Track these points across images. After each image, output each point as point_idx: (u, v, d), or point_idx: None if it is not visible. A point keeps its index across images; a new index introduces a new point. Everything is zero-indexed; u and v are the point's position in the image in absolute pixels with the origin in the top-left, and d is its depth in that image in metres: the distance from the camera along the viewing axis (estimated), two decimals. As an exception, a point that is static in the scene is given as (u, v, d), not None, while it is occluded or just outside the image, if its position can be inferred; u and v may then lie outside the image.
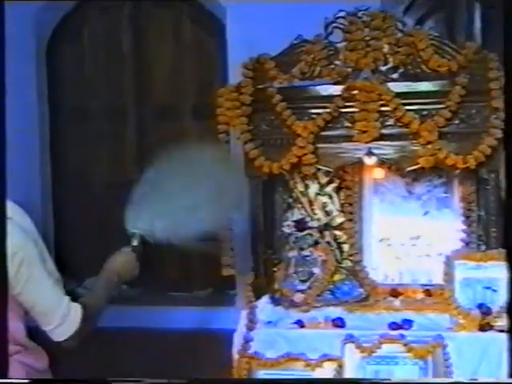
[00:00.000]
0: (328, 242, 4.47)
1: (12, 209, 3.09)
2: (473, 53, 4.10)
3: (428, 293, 4.23)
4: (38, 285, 3.11)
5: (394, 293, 4.26)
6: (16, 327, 3.17)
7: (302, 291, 4.23)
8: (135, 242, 3.60)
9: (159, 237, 3.59)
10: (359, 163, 4.25)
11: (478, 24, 4.91)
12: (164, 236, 3.58)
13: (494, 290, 3.96)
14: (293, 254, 4.39)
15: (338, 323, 4.00)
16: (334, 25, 4.26)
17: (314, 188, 4.51)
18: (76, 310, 3.18)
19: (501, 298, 3.91)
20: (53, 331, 3.14)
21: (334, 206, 4.51)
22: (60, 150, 5.43)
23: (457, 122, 4.08)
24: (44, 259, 3.17)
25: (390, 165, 4.25)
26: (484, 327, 3.84)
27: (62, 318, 3.13)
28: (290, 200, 4.54)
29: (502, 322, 3.82)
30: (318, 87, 4.23)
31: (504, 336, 3.75)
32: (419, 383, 3.65)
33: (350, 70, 4.20)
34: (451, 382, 3.62)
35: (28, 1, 4.16)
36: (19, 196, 3.01)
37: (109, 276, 3.54)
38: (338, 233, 4.49)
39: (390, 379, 3.71)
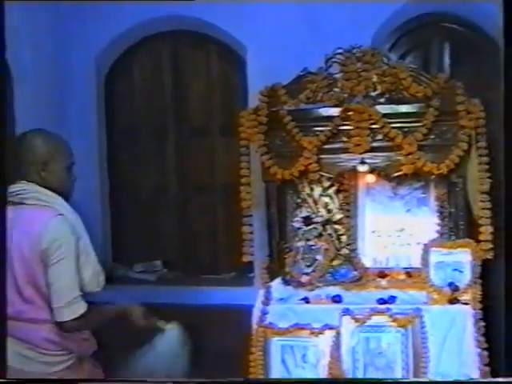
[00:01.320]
0: (329, 234, 4.44)
1: (66, 208, 3.13)
2: (443, 82, 4.09)
3: (409, 274, 4.22)
4: (63, 269, 3.01)
5: (382, 274, 4.25)
6: None
7: (307, 274, 4.21)
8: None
9: None
10: (354, 170, 4.21)
11: (447, 60, 4.90)
12: None
13: (461, 272, 3.96)
14: (301, 244, 4.36)
15: (337, 299, 4.00)
16: (333, 59, 4.25)
17: (318, 190, 4.50)
18: (82, 305, 3.07)
19: (466, 278, 3.94)
20: (59, 310, 3.03)
21: (334, 205, 4.49)
22: (115, 164, 5.45)
23: (432, 136, 4.06)
24: (79, 255, 3.10)
25: (379, 171, 4.22)
26: (453, 301, 3.85)
27: (70, 303, 3.02)
28: (299, 200, 4.52)
29: (467, 297, 3.86)
30: (320, 109, 4.21)
31: (468, 308, 3.79)
32: (419, 382, 3.66)
33: (345, 95, 4.18)
34: (451, 382, 3.62)
35: (28, 1, 4.08)
36: (83, 203, 3.16)
37: (114, 314, 3.28)
38: (337, 227, 4.47)
39: (390, 378, 3.68)
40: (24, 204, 3.09)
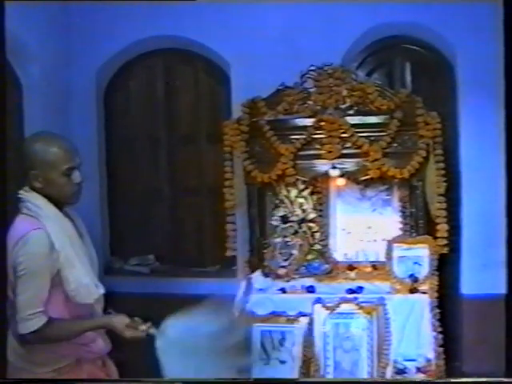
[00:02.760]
0: (304, 232, 4.48)
1: (54, 220, 2.75)
2: (405, 96, 4.16)
3: (375, 267, 4.25)
4: (27, 283, 2.64)
5: (351, 267, 4.29)
6: None
7: (284, 267, 4.26)
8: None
9: None
10: (326, 174, 4.25)
11: (408, 77, 4.92)
12: None
13: (420, 265, 4.03)
14: (278, 240, 4.41)
15: (310, 290, 4.06)
16: (307, 75, 4.30)
17: (294, 192, 4.53)
18: (39, 320, 2.64)
19: (424, 270, 4.01)
20: (19, 321, 2.65)
21: (308, 206, 4.52)
22: (113, 167, 5.40)
23: (395, 145, 4.13)
24: (59, 269, 2.68)
25: (348, 175, 4.25)
26: (413, 291, 3.92)
27: (28, 317, 2.63)
28: (277, 201, 4.54)
29: (425, 287, 3.93)
30: (296, 120, 4.26)
31: (426, 297, 3.87)
32: (419, 382, 3.64)
33: (318, 107, 4.23)
34: (451, 382, 3.68)
35: (29, 1, 4.07)
36: (83, 201, 2.85)
37: (94, 326, 2.79)
38: (311, 225, 4.50)
39: (391, 378, 3.71)
40: (19, 212, 2.76)
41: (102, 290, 2.85)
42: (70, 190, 2.78)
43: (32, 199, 2.75)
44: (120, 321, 2.71)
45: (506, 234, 2.62)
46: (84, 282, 2.76)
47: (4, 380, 2.51)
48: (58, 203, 2.78)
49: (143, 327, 2.70)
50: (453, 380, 3.70)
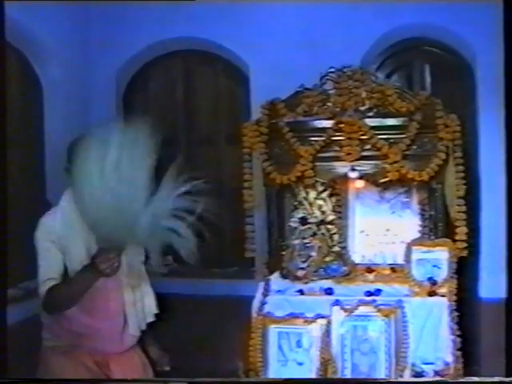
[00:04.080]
0: (323, 234, 4.46)
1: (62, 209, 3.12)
2: (424, 99, 4.14)
3: (393, 270, 4.22)
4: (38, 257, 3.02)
5: (369, 270, 4.26)
6: None
7: (302, 269, 4.23)
8: None
9: None
10: (345, 177, 4.24)
11: (428, 79, 4.92)
12: None
13: (439, 268, 4.01)
14: (297, 242, 4.39)
15: (328, 292, 4.03)
16: (327, 77, 4.29)
17: (312, 194, 4.51)
18: (50, 282, 2.96)
19: (443, 273, 3.99)
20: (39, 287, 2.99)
21: (327, 208, 4.50)
22: None
23: (414, 147, 4.10)
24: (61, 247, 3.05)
25: (367, 178, 4.24)
26: (431, 294, 3.89)
27: (43, 282, 2.97)
28: (296, 203, 4.53)
29: (444, 290, 3.90)
30: (315, 122, 4.24)
31: (444, 300, 3.84)
32: (420, 382, 3.68)
33: (338, 109, 4.22)
34: (451, 382, 3.64)
35: (29, 1, 4.08)
36: None
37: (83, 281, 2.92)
38: (330, 227, 4.47)
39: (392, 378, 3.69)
40: None
41: None
42: None
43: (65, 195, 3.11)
44: (101, 260, 2.77)
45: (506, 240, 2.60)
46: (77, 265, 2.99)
47: (4, 380, 2.54)
48: None
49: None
50: (454, 380, 3.68)
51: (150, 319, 3.30)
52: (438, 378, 3.70)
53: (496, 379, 2.98)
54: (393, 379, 3.67)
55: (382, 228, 4.39)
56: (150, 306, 3.32)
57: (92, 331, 3.10)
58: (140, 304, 3.24)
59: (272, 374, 3.84)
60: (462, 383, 3.58)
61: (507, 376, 2.71)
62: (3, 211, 2.37)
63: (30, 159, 4.64)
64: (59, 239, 3.04)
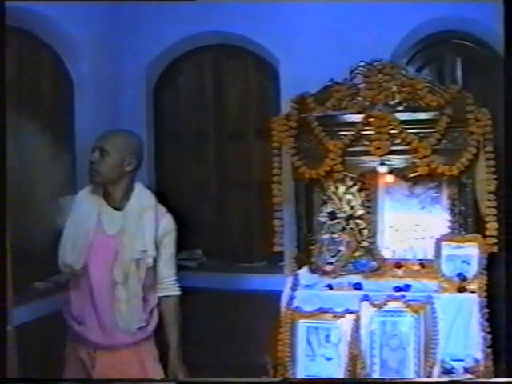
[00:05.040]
0: (352, 228, 4.45)
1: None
2: (455, 92, 4.11)
3: (422, 265, 4.20)
4: None
5: (398, 265, 4.24)
6: None
7: (331, 263, 4.23)
8: None
9: None
10: (375, 171, 4.22)
11: (459, 72, 4.89)
12: None
13: (469, 264, 3.97)
14: (326, 236, 4.38)
15: (357, 287, 4.03)
16: (357, 71, 4.28)
17: (342, 189, 4.50)
18: None
19: (473, 269, 3.95)
20: None
21: (356, 202, 4.49)
22: (161, 162, 5.46)
23: (445, 141, 4.07)
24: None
25: (397, 172, 4.22)
26: (461, 290, 3.87)
27: None
28: (325, 197, 4.52)
29: (474, 286, 3.87)
30: (344, 116, 4.23)
31: (474, 296, 3.81)
32: (419, 382, 3.65)
33: (367, 103, 4.21)
34: (451, 382, 3.60)
35: (29, 1, 4.07)
36: None
37: None
38: (359, 221, 4.47)
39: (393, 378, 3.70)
40: None
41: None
42: (88, 168, 3.15)
43: None
44: None
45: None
46: (68, 262, 3.11)
47: (4, 380, 2.54)
48: None
49: None
50: (454, 380, 3.63)
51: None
52: (444, 379, 3.66)
53: (497, 379, 2.91)
54: (396, 379, 3.65)
55: (411, 223, 4.37)
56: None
57: (83, 319, 3.17)
58: (135, 302, 3.19)
59: (300, 369, 3.85)
60: (464, 383, 3.54)
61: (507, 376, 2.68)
62: (3, 211, 2.36)
63: (60, 155, 4.68)
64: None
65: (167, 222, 3.32)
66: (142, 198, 3.27)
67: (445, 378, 3.66)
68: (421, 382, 3.64)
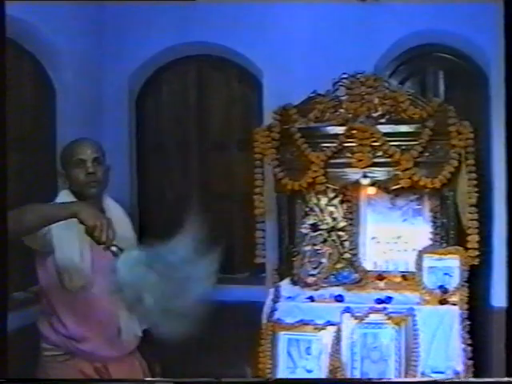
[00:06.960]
0: (333, 240, 4.44)
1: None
2: (437, 105, 4.13)
3: (404, 277, 4.21)
4: None
5: (380, 277, 4.25)
6: None
7: (313, 275, 4.23)
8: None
9: None
10: (357, 183, 4.23)
11: (441, 86, 4.89)
12: None
13: (450, 276, 3.98)
14: (308, 248, 4.37)
15: (339, 299, 4.02)
16: (339, 83, 4.30)
17: (324, 200, 4.50)
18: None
19: (455, 281, 3.96)
20: None
21: (338, 214, 4.49)
22: (143, 172, 5.44)
23: (427, 154, 4.09)
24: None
25: (379, 184, 4.23)
26: (442, 302, 3.87)
27: None
28: (307, 209, 4.52)
29: (455, 299, 3.88)
30: (327, 128, 4.24)
31: (456, 308, 3.82)
32: (419, 382, 3.66)
33: (350, 115, 4.22)
34: (451, 382, 3.59)
35: (29, 1, 4.03)
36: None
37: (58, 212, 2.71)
38: (341, 233, 4.46)
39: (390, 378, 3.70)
40: None
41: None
42: (83, 181, 3.03)
43: (59, 196, 3.09)
44: (88, 215, 2.58)
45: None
46: (68, 268, 2.97)
47: (4, 380, 2.51)
48: (81, 196, 3.03)
49: (106, 236, 2.57)
50: (454, 380, 3.64)
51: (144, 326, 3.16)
52: (438, 379, 3.68)
53: (496, 379, 2.93)
54: (394, 379, 3.65)
55: (393, 235, 4.39)
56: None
57: (87, 336, 3.05)
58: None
59: (281, 380, 3.83)
60: (464, 383, 3.53)
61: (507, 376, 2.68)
62: (3, 211, 2.32)
63: (41, 162, 4.64)
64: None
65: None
66: (113, 206, 3.23)
67: (429, 378, 3.67)
68: (406, 383, 3.64)
